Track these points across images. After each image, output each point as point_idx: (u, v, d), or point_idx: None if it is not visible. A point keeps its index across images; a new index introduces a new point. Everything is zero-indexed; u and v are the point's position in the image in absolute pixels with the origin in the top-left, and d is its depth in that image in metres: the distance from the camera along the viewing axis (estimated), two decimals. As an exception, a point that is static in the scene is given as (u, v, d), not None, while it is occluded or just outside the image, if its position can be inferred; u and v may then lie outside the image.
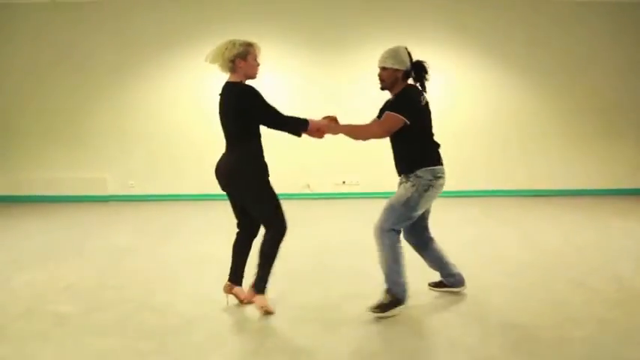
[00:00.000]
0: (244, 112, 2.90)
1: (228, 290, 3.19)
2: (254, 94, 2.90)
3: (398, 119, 2.93)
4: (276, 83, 6.99)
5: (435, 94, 7.21)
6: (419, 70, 3.06)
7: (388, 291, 2.95)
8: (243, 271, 3.21)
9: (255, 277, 3.05)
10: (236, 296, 3.19)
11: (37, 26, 7.29)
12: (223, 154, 3.06)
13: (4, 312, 3.10)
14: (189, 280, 3.73)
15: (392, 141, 3.12)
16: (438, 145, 3.12)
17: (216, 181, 3.07)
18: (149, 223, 5.89)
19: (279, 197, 3.04)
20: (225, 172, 2.99)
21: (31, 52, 7.33)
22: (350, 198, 7.49)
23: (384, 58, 3.06)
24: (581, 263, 4.09)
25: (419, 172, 2.96)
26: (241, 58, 2.93)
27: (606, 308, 3.11)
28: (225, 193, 3.10)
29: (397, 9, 7.49)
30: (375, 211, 3.10)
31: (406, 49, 3.08)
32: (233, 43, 2.94)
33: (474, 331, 2.80)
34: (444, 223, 5.77)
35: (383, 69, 3.06)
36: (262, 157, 3.00)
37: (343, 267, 3.99)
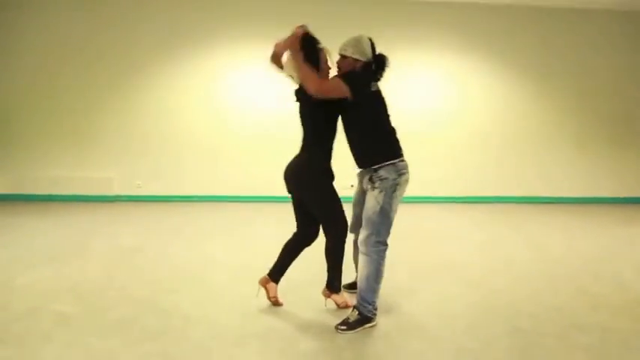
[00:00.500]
0: (318, 108, 2.91)
1: (263, 283, 3.21)
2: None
3: (341, 86, 2.75)
4: (276, 82, 6.97)
5: (445, 100, 7.37)
6: (378, 63, 2.89)
7: (356, 308, 2.90)
8: (284, 272, 3.22)
9: (327, 279, 3.12)
10: (267, 291, 3.21)
11: (45, 25, 7.31)
12: (294, 156, 3.10)
13: (8, 311, 3.10)
14: (195, 282, 3.72)
15: (346, 133, 2.99)
16: (394, 132, 2.95)
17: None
18: (156, 224, 5.89)
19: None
20: (290, 173, 3.05)
21: (38, 51, 7.34)
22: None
23: (344, 46, 2.90)
24: (586, 270, 4.09)
25: (382, 173, 2.83)
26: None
27: (611, 315, 3.11)
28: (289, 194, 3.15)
29: (405, 14, 7.51)
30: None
31: (370, 39, 2.93)
32: None
33: (479, 337, 2.79)
34: (453, 227, 5.74)
35: (343, 57, 2.91)
36: (328, 161, 3.03)
37: (347, 270, 3.97)
